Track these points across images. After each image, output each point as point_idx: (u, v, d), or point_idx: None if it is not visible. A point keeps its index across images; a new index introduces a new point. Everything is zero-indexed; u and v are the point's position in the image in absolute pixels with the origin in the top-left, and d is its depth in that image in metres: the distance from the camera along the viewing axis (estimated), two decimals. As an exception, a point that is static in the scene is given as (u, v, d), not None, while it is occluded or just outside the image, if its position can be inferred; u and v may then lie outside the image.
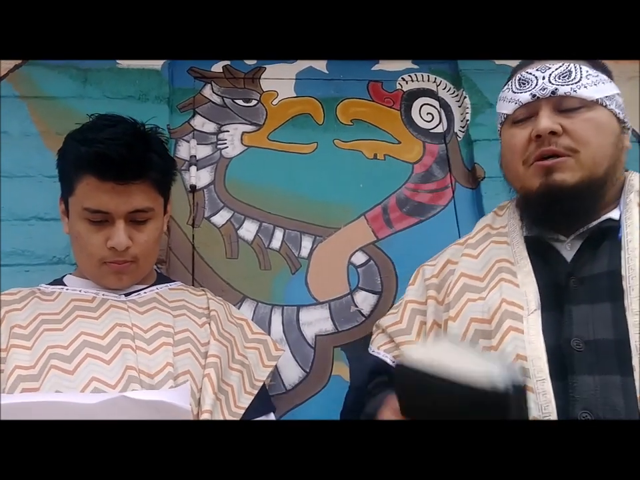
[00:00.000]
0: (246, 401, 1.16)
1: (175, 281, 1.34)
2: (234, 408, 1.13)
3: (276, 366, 1.40)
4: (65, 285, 1.23)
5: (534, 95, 1.04)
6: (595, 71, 1.05)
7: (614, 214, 1.02)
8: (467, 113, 1.72)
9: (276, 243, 1.58)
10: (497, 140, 1.66)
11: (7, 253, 1.45)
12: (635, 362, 0.87)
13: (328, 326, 1.52)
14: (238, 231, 1.58)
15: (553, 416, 0.87)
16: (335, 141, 1.68)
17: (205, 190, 1.60)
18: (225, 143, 1.65)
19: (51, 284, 1.24)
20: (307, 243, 1.59)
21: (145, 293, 1.23)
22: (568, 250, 1.03)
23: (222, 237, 1.57)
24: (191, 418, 0.92)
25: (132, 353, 1.08)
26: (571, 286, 0.98)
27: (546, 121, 1.01)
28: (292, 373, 1.47)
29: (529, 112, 1.06)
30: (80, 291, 1.20)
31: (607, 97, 1.04)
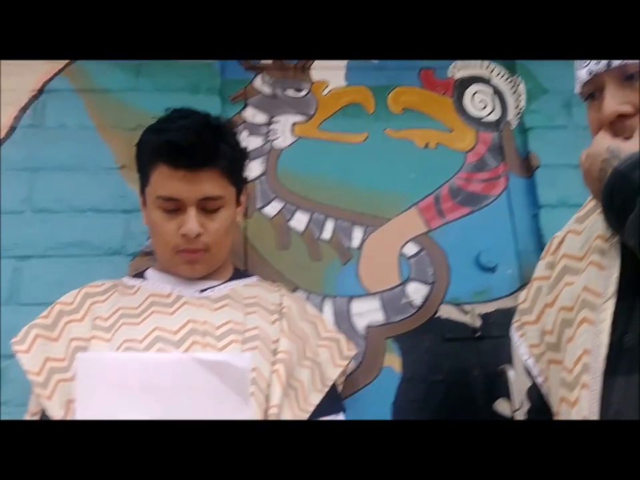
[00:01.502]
0: (316, 398, 1.16)
1: (251, 276, 1.36)
2: (303, 405, 1.13)
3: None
4: (146, 279, 1.28)
5: (590, 72, 0.92)
6: None
7: None
8: (522, 99, 1.69)
9: (327, 234, 1.58)
10: (553, 127, 1.66)
11: (65, 244, 1.48)
12: None
13: (379, 317, 1.52)
14: (289, 222, 1.58)
15: (595, 417, 0.83)
16: (386, 130, 1.67)
17: (256, 181, 1.61)
18: (276, 134, 1.65)
19: (134, 276, 1.30)
20: (358, 234, 1.58)
21: (220, 289, 1.25)
22: None
23: (273, 227, 1.58)
24: (249, 379, 0.98)
25: (201, 348, 1.10)
26: None
27: (610, 103, 0.89)
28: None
29: (595, 87, 0.93)
30: (157, 285, 1.24)
31: None
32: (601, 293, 0.89)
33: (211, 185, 1.18)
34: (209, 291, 1.24)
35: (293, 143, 1.65)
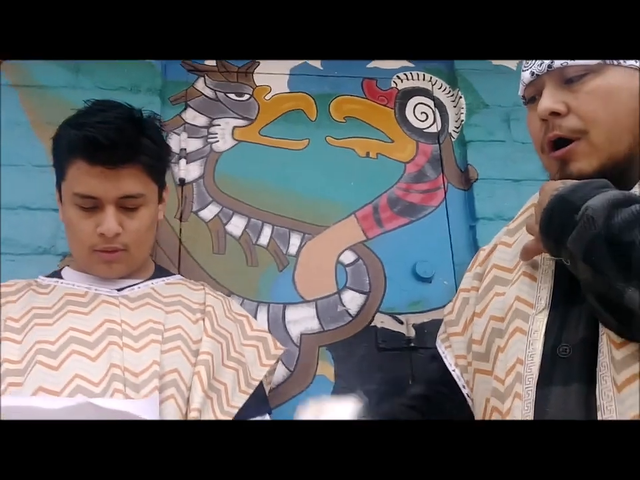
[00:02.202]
0: (240, 400, 1.13)
1: (174, 274, 1.32)
2: (226, 407, 1.10)
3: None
4: (62, 278, 1.22)
5: (533, 73, 0.93)
6: None
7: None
8: (462, 113, 1.71)
9: (264, 240, 1.56)
10: (492, 141, 1.68)
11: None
12: (597, 368, 0.78)
13: (314, 325, 1.50)
14: (226, 226, 1.56)
15: None
16: (328, 138, 1.67)
17: (193, 184, 1.59)
18: (216, 137, 1.63)
19: (49, 276, 1.24)
20: (295, 240, 1.57)
21: (139, 287, 1.21)
22: None
23: (209, 231, 1.55)
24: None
25: (118, 350, 1.06)
26: (573, 285, 0.84)
27: (546, 100, 0.89)
28: (276, 372, 1.45)
29: (536, 90, 0.94)
30: (73, 285, 1.19)
31: (611, 62, 0.90)
32: (534, 304, 0.88)
33: (131, 182, 1.14)
34: (127, 289, 1.19)
35: (232, 147, 1.63)
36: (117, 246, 1.15)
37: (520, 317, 0.88)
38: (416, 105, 1.73)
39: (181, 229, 1.54)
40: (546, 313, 0.87)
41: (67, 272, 1.24)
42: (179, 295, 1.21)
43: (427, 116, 1.73)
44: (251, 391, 1.16)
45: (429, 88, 1.76)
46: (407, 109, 1.72)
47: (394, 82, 1.75)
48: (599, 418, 0.75)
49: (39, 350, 1.04)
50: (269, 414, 1.22)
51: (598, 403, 0.76)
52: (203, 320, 1.17)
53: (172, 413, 1.01)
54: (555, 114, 0.88)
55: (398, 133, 1.70)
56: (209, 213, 1.57)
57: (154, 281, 1.24)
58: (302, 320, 1.50)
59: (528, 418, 0.81)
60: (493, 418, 0.90)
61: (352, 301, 1.53)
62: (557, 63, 0.89)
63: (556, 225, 0.80)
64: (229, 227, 1.56)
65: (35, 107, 1.57)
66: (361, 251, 1.58)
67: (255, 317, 1.48)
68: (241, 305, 1.48)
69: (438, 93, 1.76)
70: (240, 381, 1.15)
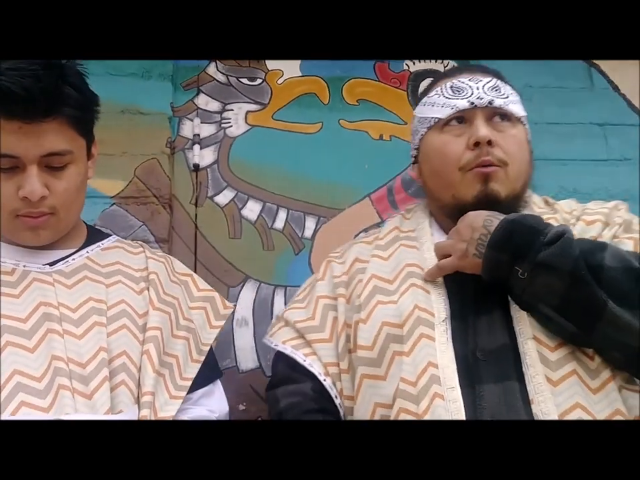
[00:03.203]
0: (193, 370, 1.07)
1: (108, 236, 1.19)
2: (180, 380, 1.04)
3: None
4: None
5: (472, 103, 1.06)
6: (512, 89, 1.11)
7: None
8: (475, 94, 1.70)
9: (279, 224, 1.57)
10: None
11: None
12: (523, 366, 0.92)
13: (331, 307, 1.50)
14: (241, 211, 1.57)
15: None
16: (341, 121, 1.66)
17: (208, 169, 1.59)
18: (229, 122, 1.63)
19: None
20: (310, 224, 1.57)
21: (74, 259, 1.08)
22: None
23: (225, 216, 1.56)
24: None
25: (59, 338, 0.96)
26: (479, 297, 1.00)
27: (484, 129, 1.04)
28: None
29: (464, 118, 1.07)
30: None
31: (523, 116, 1.11)
32: (434, 313, 0.99)
33: (54, 138, 0.99)
34: (61, 263, 1.06)
35: (246, 132, 1.63)
36: (44, 209, 1.00)
37: (424, 324, 0.97)
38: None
39: (196, 215, 1.55)
40: (448, 321, 0.98)
41: None
42: (118, 262, 1.11)
43: (440, 97, 1.72)
44: (203, 358, 1.10)
45: (441, 69, 1.75)
46: (419, 90, 1.72)
47: (406, 64, 1.75)
48: (533, 410, 0.89)
49: None
50: (220, 379, 1.16)
51: (530, 397, 0.90)
52: (148, 289, 1.08)
53: (124, 401, 0.95)
54: (489, 143, 1.03)
55: (411, 115, 1.68)
56: (224, 198, 1.57)
57: (88, 248, 1.11)
58: (319, 303, 1.50)
59: (457, 415, 0.89)
60: (401, 418, 0.92)
61: (368, 283, 1.53)
62: (496, 102, 1.06)
63: (516, 242, 0.94)
64: (245, 212, 1.57)
65: None
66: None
67: (272, 300, 1.49)
68: (258, 288, 1.50)
69: (450, 74, 1.75)
70: (191, 350, 1.08)
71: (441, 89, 1.11)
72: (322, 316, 1.10)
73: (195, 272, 1.35)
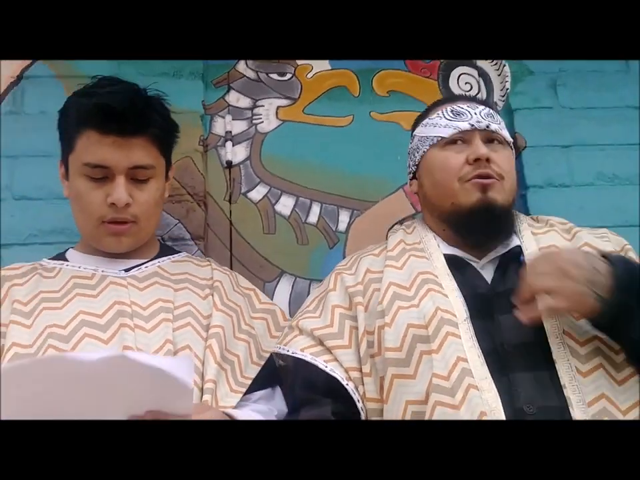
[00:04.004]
0: (253, 371, 1.13)
1: (179, 252, 1.31)
2: (240, 378, 1.10)
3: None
4: (67, 260, 1.21)
5: (472, 125, 1.19)
6: (500, 118, 1.26)
7: (516, 241, 1.19)
8: (507, 81, 1.68)
9: (313, 218, 1.57)
10: (538, 108, 1.65)
11: (46, 231, 1.48)
12: (554, 356, 1.00)
13: (367, 300, 1.50)
14: (275, 206, 1.57)
15: (499, 410, 0.95)
16: (372, 113, 1.66)
17: (241, 166, 1.60)
18: (260, 118, 1.63)
19: (53, 258, 1.23)
20: (344, 217, 1.57)
21: (147, 267, 1.20)
22: (481, 269, 1.15)
23: (259, 212, 1.57)
24: (190, 393, 0.84)
25: (130, 332, 1.05)
26: (494, 299, 1.09)
27: (483, 148, 1.17)
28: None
29: (464, 138, 1.19)
30: (80, 267, 1.17)
31: (511, 141, 1.26)
32: (456, 313, 1.06)
33: (142, 153, 1.14)
34: (134, 270, 1.18)
35: (277, 127, 1.63)
36: (127, 217, 1.14)
37: (447, 324, 1.04)
38: (459, 75, 1.71)
39: (230, 211, 1.56)
40: (469, 321, 1.05)
41: (71, 254, 1.23)
42: (186, 272, 1.21)
43: (471, 86, 1.70)
44: (262, 363, 1.16)
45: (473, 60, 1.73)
46: (450, 79, 1.70)
47: (436, 53, 1.73)
48: (565, 394, 0.96)
49: (51, 334, 1.03)
50: (280, 386, 1.19)
51: (562, 382, 0.97)
52: (212, 295, 1.17)
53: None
54: (487, 159, 1.16)
55: (442, 105, 1.67)
56: (258, 193, 1.58)
57: (160, 259, 1.23)
58: (355, 296, 1.50)
59: (494, 403, 0.95)
60: (438, 411, 0.97)
61: (404, 275, 1.52)
62: (492, 127, 1.20)
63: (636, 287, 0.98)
64: (278, 207, 1.57)
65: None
66: (410, 224, 1.57)
67: (308, 295, 1.48)
68: (293, 283, 1.50)
69: (482, 63, 1.73)
70: (252, 353, 1.15)
71: (442, 112, 1.23)
72: (339, 324, 1.15)
73: (231, 268, 1.36)
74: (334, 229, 1.56)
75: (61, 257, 1.23)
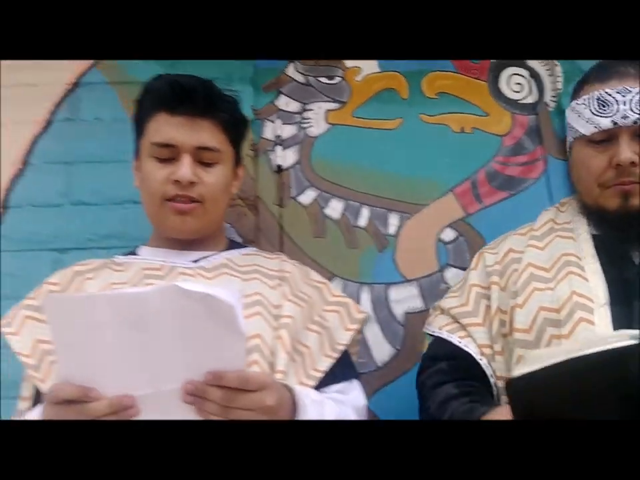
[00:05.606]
0: (325, 364, 1.10)
1: (247, 246, 1.32)
2: (311, 370, 1.08)
3: (365, 342, 1.40)
4: (137, 255, 1.24)
5: (615, 123, 1.09)
6: None
7: None
8: (559, 81, 1.65)
9: (363, 221, 1.57)
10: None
11: (103, 235, 1.51)
12: None
13: (418, 304, 1.51)
14: (324, 210, 1.58)
15: None
16: (421, 115, 1.65)
17: (290, 170, 1.61)
18: (310, 122, 1.64)
19: (125, 255, 1.26)
20: (394, 220, 1.57)
21: (215, 258, 1.20)
22: (631, 252, 1.11)
23: (308, 216, 1.58)
24: (234, 313, 0.82)
25: None
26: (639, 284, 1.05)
27: (627, 151, 1.09)
28: (382, 351, 1.47)
29: (607, 135, 1.12)
30: (149, 259, 1.20)
31: None
32: (593, 299, 1.03)
33: (208, 134, 1.16)
34: (203, 260, 1.19)
35: (327, 131, 1.64)
36: (192, 195, 1.14)
37: (581, 309, 1.02)
38: (510, 75, 1.69)
39: (280, 215, 1.57)
40: (608, 307, 1.02)
41: (141, 249, 1.26)
42: (255, 264, 1.20)
43: (522, 87, 1.68)
44: (337, 356, 1.13)
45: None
46: (500, 80, 1.68)
47: (486, 54, 1.71)
48: None
49: None
50: (357, 379, 1.18)
51: None
52: (282, 285, 1.16)
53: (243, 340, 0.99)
54: (632, 163, 1.08)
55: (492, 106, 1.66)
56: (307, 197, 1.59)
57: (228, 252, 1.24)
58: (405, 299, 1.51)
59: None
60: None
61: (455, 278, 1.51)
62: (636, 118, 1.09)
63: None
64: (328, 211, 1.58)
65: (133, 103, 1.62)
66: (461, 227, 1.57)
67: (359, 298, 1.50)
68: (343, 286, 1.51)
69: (532, 63, 1.70)
70: (324, 345, 1.12)
71: (589, 99, 1.15)
72: (475, 302, 1.18)
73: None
74: (383, 232, 1.56)
75: (131, 252, 1.26)
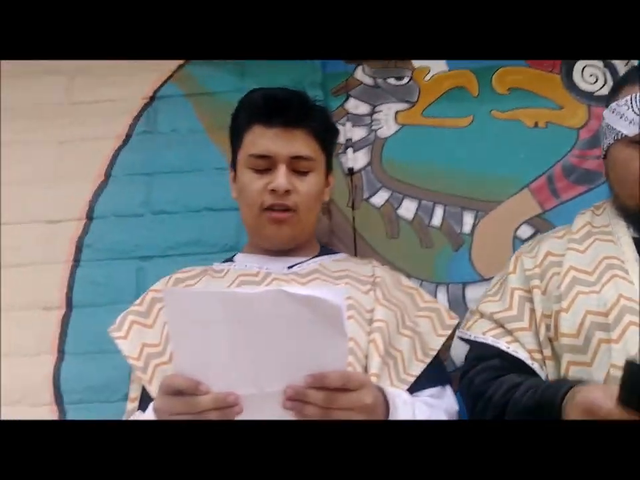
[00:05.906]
0: (417, 368, 1.12)
1: (339, 252, 1.35)
2: (403, 374, 1.09)
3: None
4: (234, 262, 1.29)
5: None
6: None
7: None
8: (635, 69, 1.60)
9: (436, 221, 1.57)
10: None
11: (183, 243, 1.55)
12: None
13: (495, 302, 1.48)
14: (397, 211, 1.58)
15: None
16: (492, 111, 1.63)
17: (362, 172, 1.62)
18: (380, 123, 1.65)
19: (223, 262, 1.31)
20: (468, 219, 1.56)
21: (308, 264, 1.24)
22: None
23: (382, 217, 1.58)
24: (339, 314, 0.82)
25: None
26: None
27: None
28: (461, 351, 1.45)
29: None
30: (245, 266, 1.24)
31: None
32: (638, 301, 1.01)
33: (303, 144, 1.21)
34: (296, 267, 1.23)
35: (397, 132, 1.64)
36: (288, 204, 1.19)
37: (630, 313, 1.00)
38: (584, 67, 1.65)
39: (354, 217, 1.58)
40: None
41: (238, 256, 1.31)
42: (347, 269, 1.23)
43: (597, 78, 1.64)
44: (428, 360, 1.14)
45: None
46: (574, 73, 1.64)
47: (558, 46, 1.68)
48: None
49: None
50: (450, 384, 1.19)
51: None
52: (374, 290, 1.18)
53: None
54: None
55: (566, 99, 1.62)
56: (380, 199, 1.59)
57: (320, 258, 1.27)
58: (483, 298, 1.49)
59: None
60: None
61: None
62: None
63: None
64: (401, 211, 1.58)
65: (208, 113, 1.67)
66: (538, 223, 1.54)
67: (435, 298, 1.48)
68: (420, 287, 1.49)
69: (607, 52, 1.66)
70: (416, 349, 1.14)
71: (631, 99, 1.13)
72: (519, 306, 1.15)
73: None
74: (458, 231, 1.55)
75: (228, 260, 1.32)
